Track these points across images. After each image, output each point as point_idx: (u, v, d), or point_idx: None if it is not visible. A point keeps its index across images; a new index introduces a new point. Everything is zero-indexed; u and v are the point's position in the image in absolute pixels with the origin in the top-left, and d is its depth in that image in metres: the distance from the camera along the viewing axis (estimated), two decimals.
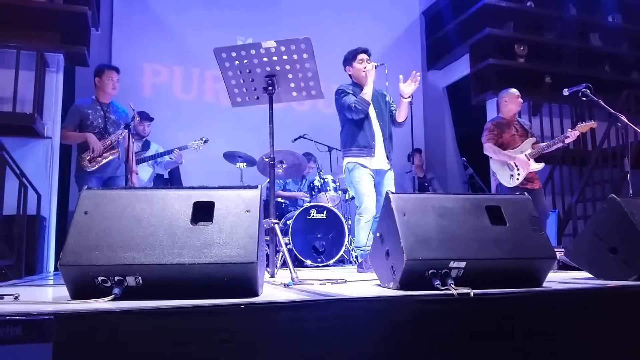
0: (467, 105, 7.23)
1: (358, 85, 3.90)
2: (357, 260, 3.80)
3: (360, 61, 3.88)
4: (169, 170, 5.30)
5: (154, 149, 5.12)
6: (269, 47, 2.98)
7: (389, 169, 3.89)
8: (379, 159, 3.80)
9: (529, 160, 4.51)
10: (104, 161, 4.10)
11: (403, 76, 3.78)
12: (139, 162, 4.82)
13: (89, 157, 4.05)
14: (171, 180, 5.52)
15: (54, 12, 5.21)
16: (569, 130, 4.50)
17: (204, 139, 4.96)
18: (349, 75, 4.02)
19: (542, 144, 4.55)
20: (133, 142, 4.24)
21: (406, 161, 6.62)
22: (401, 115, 3.91)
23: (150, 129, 5.18)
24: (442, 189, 6.94)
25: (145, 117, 5.08)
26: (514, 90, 4.69)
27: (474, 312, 1.73)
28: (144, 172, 4.98)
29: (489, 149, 4.68)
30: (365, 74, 3.82)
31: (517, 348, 1.75)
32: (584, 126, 4.50)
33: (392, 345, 1.64)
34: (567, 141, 4.44)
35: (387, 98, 4.01)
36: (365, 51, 3.92)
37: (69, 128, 4.16)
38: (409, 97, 3.80)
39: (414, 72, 3.73)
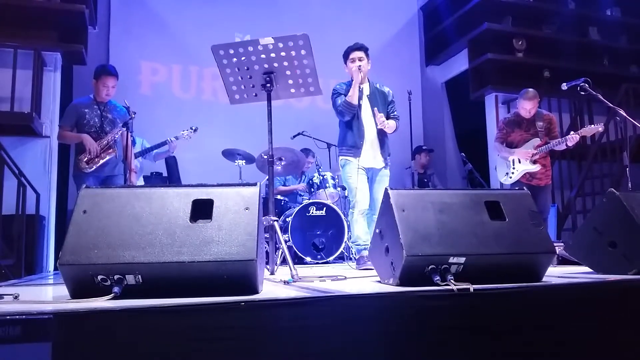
0: (465, 101, 7.23)
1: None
2: (356, 257, 3.80)
3: (352, 60, 3.86)
4: (158, 161, 5.24)
5: (139, 143, 5.08)
6: (267, 44, 2.97)
7: (383, 167, 3.90)
8: (368, 158, 3.83)
9: (526, 160, 4.63)
10: (102, 161, 4.07)
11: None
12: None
13: (86, 159, 4.02)
14: (170, 178, 5.50)
15: (52, 11, 5.20)
16: (572, 132, 4.51)
17: (193, 127, 4.87)
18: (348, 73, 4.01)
19: (544, 146, 4.59)
20: (131, 140, 4.21)
21: (406, 157, 6.61)
22: (387, 130, 3.91)
23: (132, 123, 5.08)
24: (441, 185, 6.94)
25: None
26: (525, 96, 4.66)
27: (473, 307, 1.74)
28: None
29: (494, 147, 4.89)
30: (353, 73, 3.81)
31: (517, 343, 1.75)
32: (588, 130, 4.50)
33: (393, 341, 1.64)
34: (569, 143, 4.46)
35: (389, 97, 4.01)
36: (359, 48, 3.88)
37: (66, 128, 4.13)
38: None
39: (380, 117, 3.76)
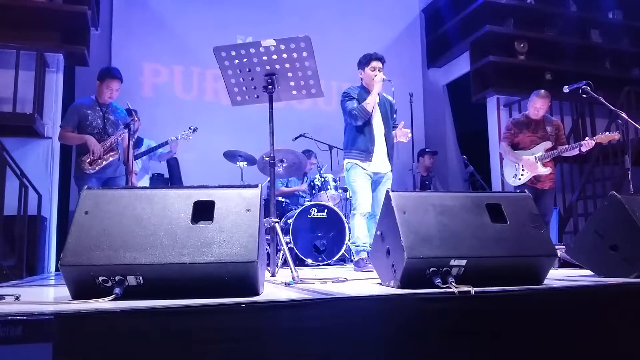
0: (467, 103, 7.23)
1: (366, 90, 3.94)
2: (355, 258, 3.81)
3: (372, 68, 3.91)
4: (162, 161, 5.24)
5: (145, 144, 5.10)
6: (269, 46, 2.97)
7: (388, 171, 3.96)
8: (377, 162, 3.88)
9: (537, 163, 4.58)
10: (105, 163, 4.07)
11: (400, 130, 3.93)
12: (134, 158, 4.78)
13: (89, 160, 4.03)
14: (171, 179, 5.51)
15: (54, 12, 5.21)
16: (587, 138, 4.49)
17: (192, 127, 4.86)
18: (360, 78, 4.05)
19: (555, 150, 4.57)
20: (132, 142, 4.22)
21: (407, 159, 6.61)
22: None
23: (139, 125, 5.09)
24: (442, 187, 6.93)
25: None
26: (537, 93, 4.66)
27: (474, 310, 1.73)
28: (136, 168, 4.95)
29: (500, 147, 4.85)
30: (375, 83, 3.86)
31: (517, 346, 1.75)
32: (604, 137, 4.45)
33: (393, 343, 1.64)
34: (583, 149, 4.44)
35: (394, 107, 4.09)
36: (380, 58, 3.94)
37: (68, 128, 4.12)
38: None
39: (408, 132, 3.93)
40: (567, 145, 4.57)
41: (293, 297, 1.79)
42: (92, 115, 4.13)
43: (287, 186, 5.89)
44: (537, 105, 4.62)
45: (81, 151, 4.10)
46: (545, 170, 4.58)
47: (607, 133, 4.49)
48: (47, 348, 1.32)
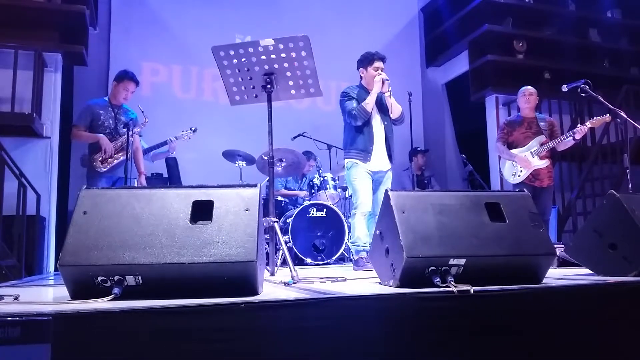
0: (466, 102, 7.24)
1: (365, 90, 3.94)
2: (355, 257, 3.81)
3: (376, 69, 3.88)
4: (155, 161, 5.24)
5: None
6: (267, 45, 2.97)
7: (388, 170, 3.96)
8: (377, 161, 3.89)
9: (533, 157, 4.58)
10: (116, 162, 4.21)
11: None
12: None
13: (101, 158, 4.15)
14: (170, 179, 5.50)
15: (52, 11, 5.21)
16: (579, 125, 4.50)
17: (193, 128, 4.89)
18: (360, 76, 4.03)
19: (550, 142, 4.57)
20: (132, 142, 4.24)
21: (404, 158, 6.61)
22: (392, 112, 3.93)
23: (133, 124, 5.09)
24: (441, 187, 6.93)
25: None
26: (522, 89, 4.76)
27: (474, 309, 1.73)
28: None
29: (496, 148, 4.90)
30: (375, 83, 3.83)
31: (517, 345, 1.75)
32: (595, 121, 4.46)
33: (393, 343, 1.64)
34: (577, 137, 4.44)
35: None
36: (383, 59, 3.92)
37: (81, 127, 4.25)
38: (388, 92, 3.85)
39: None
40: (555, 139, 4.59)
41: (292, 296, 1.79)
42: (105, 116, 4.29)
43: (286, 187, 5.89)
44: (526, 98, 4.68)
45: (93, 150, 4.22)
46: (542, 163, 4.59)
47: (598, 117, 4.48)
48: (46, 348, 1.32)
